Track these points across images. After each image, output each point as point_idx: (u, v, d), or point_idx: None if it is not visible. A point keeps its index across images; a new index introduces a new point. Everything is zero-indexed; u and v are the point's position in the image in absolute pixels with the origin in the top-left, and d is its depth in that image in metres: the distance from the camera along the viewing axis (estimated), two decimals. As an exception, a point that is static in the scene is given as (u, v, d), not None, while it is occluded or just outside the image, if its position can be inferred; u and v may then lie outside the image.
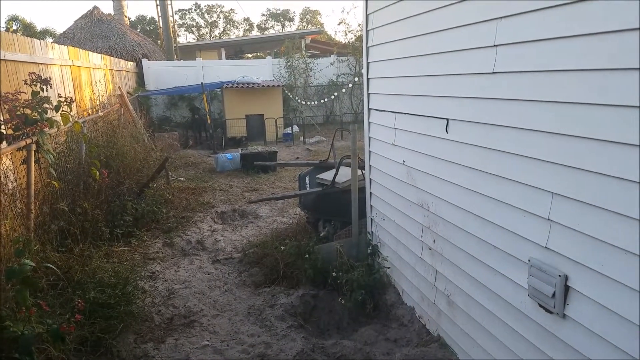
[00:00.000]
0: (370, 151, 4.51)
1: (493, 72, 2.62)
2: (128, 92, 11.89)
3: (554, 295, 2.22)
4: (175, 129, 13.67)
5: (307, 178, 5.84)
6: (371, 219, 4.70)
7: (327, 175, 5.30)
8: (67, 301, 3.61)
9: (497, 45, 2.57)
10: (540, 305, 2.33)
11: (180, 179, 8.90)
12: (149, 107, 14.41)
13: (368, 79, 4.39)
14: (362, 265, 4.44)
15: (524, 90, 2.40)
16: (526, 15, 2.33)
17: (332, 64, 15.97)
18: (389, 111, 4.00)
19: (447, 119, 3.14)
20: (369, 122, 4.46)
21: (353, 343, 3.66)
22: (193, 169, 10.12)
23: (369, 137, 4.49)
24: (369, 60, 4.35)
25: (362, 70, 4.48)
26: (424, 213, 3.54)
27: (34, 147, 4.38)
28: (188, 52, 23.01)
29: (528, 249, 2.43)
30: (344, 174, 5.09)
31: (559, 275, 2.19)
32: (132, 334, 3.63)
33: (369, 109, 4.43)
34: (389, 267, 4.36)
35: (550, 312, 2.28)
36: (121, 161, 6.73)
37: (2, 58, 4.50)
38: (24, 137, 4.19)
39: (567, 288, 2.18)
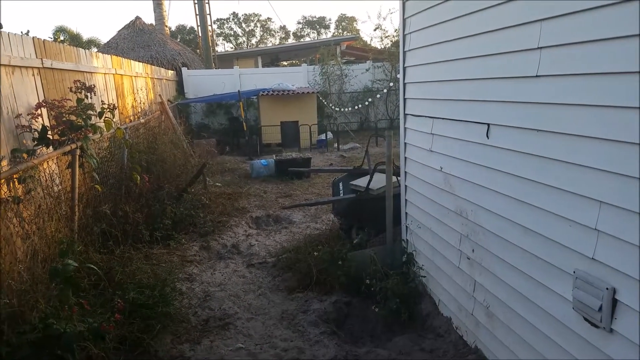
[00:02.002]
0: (405, 157, 4.45)
1: (537, 76, 2.53)
2: (168, 100, 12.24)
3: (600, 308, 2.12)
4: (213, 136, 13.95)
5: (340, 184, 5.82)
6: (406, 227, 4.63)
7: (361, 182, 5.26)
8: (107, 301, 3.71)
9: (541, 48, 2.49)
10: (586, 319, 2.23)
11: (217, 184, 9.06)
12: (188, 114, 14.78)
13: (404, 84, 4.34)
14: (397, 273, 4.37)
15: (570, 94, 2.31)
16: (572, 16, 2.24)
17: (367, 70, 15.92)
18: (426, 116, 3.94)
19: (488, 124, 3.06)
20: (405, 128, 4.41)
21: (387, 352, 3.60)
22: (229, 174, 10.29)
23: (405, 143, 4.44)
24: (405, 65, 4.31)
25: (399, 75, 4.43)
26: (463, 221, 3.46)
27: (78, 152, 4.55)
28: (226, 61, 23.52)
29: (573, 260, 2.32)
30: (378, 181, 5.04)
31: (607, 288, 2.09)
32: (169, 335, 3.70)
33: (405, 115, 4.38)
34: (424, 276, 4.27)
35: (597, 327, 2.17)
36: (161, 166, 6.93)
37: (49, 67, 4.71)
38: (69, 143, 4.37)
39: (614, 301, 2.07)
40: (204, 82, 15.50)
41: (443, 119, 3.66)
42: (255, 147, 12.83)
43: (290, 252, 5.47)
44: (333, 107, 15.27)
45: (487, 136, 3.07)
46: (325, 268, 4.75)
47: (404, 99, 4.37)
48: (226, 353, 3.56)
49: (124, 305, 3.41)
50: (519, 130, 2.75)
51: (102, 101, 5.57)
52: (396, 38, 17.05)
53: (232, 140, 14.08)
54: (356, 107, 15.30)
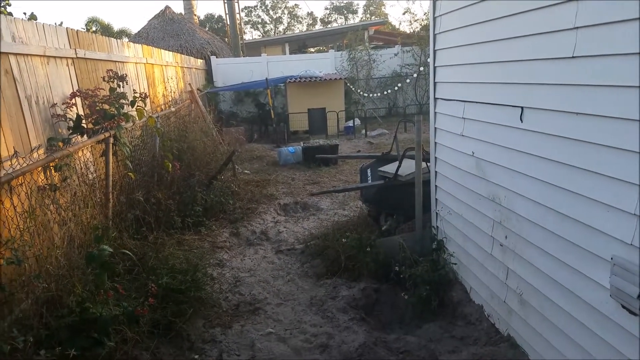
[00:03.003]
0: (435, 142, 4.36)
1: (573, 57, 2.44)
2: (198, 89, 12.37)
3: (639, 296, 2.04)
4: (241, 124, 14.05)
5: (368, 171, 5.77)
6: (436, 213, 4.56)
7: (390, 168, 5.20)
8: (141, 286, 3.81)
9: (577, 28, 2.38)
10: (624, 307, 2.17)
11: (246, 171, 9.15)
12: (217, 103, 14.92)
13: (435, 68, 4.24)
14: (426, 260, 4.32)
15: (607, 75, 2.21)
16: (612, -7, 2.13)
17: (395, 55, 15.65)
18: (457, 100, 3.84)
19: (522, 107, 2.96)
20: (435, 113, 4.32)
21: (417, 339, 3.58)
22: (257, 162, 10.37)
23: (435, 128, 4.35)
24: (436, 48, 4.20)
25: (429, 59, 4.33)
26: (495, 207, 3.38)
27: (111, 140, 4.65)
28: (254, 49, 23.57)
29: (611, 247, 2.25)
30: (407, 167, 4.97)
31: (647, 276, 2.00)
32: (201, 319, 3.78)
33: (435, 99, 4.29)
34: (455, 263, 4.21)
35: (635, 314, 2.11)
36: (191, 154, 7.04)
37: (82, 57, 4.81)
38: (102, 131, 4.46)
39: (655, 289, 1.99)
40: (232, 71, 15.59)
41: (475, 102, 3.56)
42: (283, 134, 12.87)
43: (318, 238, 5.48)
44: (361, 92, 15.10)
45: (521, 119, 2.98)
46: (353, 255, 4.74)
47: (434, 83, 4.27)
48: (257, 337, 3.61)
49: (157, 289, 3.49)
50: (555, 113, 2.65)
51: (133, 90, 5.66)
52: (426, 21, 16.69)
53: (260, 128, 14.16)
54: (384, 93, 15.09)
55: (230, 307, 4.12)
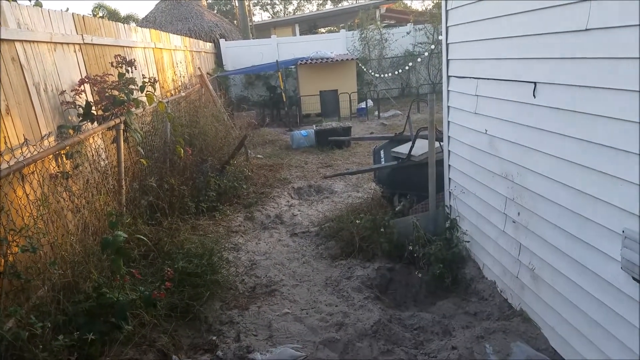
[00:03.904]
0: (449, 121, 4.29)
1: (586, 29, 2.38)
2: (207, 73, 12.33)
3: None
4: (252, 108, 14.01)
5: (381, 152, 5.72)
6: (449, 192, 4.52)
7: (403, 149, 5.15)
8: (157, 271, 3.87)
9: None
10: (634, 279, 2.16)
11: (259, 156, 9.16)
12: (227, 87, 14.87)
13: (447, 45, 4.15)
14: (440, 239, 4.31)
15: (622, 48, 2.15)
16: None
17: (408, 33, 15.35)
18: (470, 77, 3.76)
19: (535, 83, 2.90)
20: (448, 91, 4.24)
21: (431, 315, 3.60)
22: (270, 146, 10.36)
23: (448, 107, 4.28)
24: (448, 25, 4.10)
25: (441, 37, 4.23)
26: (508, 184, 3.33)
27: (122, 126, 4.66)
28: (263, 30, 23.37)
29: (622, 219, 2.24)
30: (421, 147, 4.91)
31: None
32: (218, 302, 3.83)
33: (448, 77, 4.20)
34: (468, 241, 4.18)
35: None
36: (203, 139, 7.05)
37: (89, 42, 4.80)
38: (112, 118, 4.46)
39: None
40: (242, 54, 15.47)
41: (488, 79, 3.49)
42: (295, 117, 12.81)
43: (332, 221, 5.49)
44: (373, 73, 14.91)
45: (534, 95, 2.91)
46: (367, 235, 4.74)
47: (447, 60, 4.18)
48: (273, 318, 3.65)
49: (173, 273, 3.53)
50: (568, 88, 2.60)
51: (143, 75, 5.66)
52: (437, -3, 16.30)
53: (271, 112, 14.11)
54: (397, 73, 14.85)
55: (247, 289, 4.16)
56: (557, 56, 2.65)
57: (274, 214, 6.16)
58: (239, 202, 6.51)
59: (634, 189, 2.14)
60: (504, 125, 3.32)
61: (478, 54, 3.64)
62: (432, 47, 14.40)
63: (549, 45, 2.71)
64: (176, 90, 8.50)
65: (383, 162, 5.54)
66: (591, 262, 2.50)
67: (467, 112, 3.88)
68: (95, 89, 4.59)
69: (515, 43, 3.08)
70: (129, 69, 5.06)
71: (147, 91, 5.28)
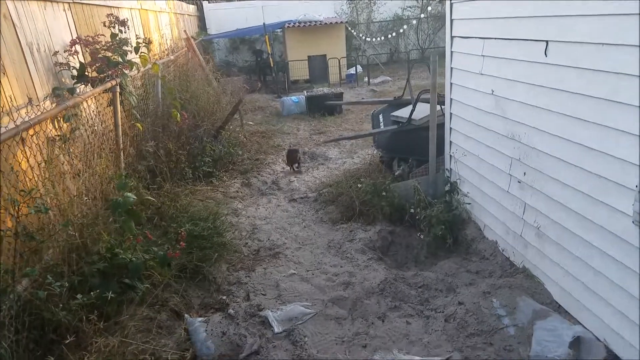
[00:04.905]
0: (452, 83, 4.30)
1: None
2: (192, 37, 11.98)
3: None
4: (239, 74, 13.73)
5: (380, 116, 5.71)
6: (450, 156, 4.57)
7: (403, 113, 5.15)
8: (163, 234, 3.87)
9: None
10: None
11: (249, 123, 9.05)
12: (211, 52, 14.51)
13: (451, 4, 4.10)
14: (440, 202, 4.39)
15: (632, 3, 2.17)
16: None
17: (397, -5, 15.07)
18: (476, 37, 3.75)
19: (547, 42, 2.90)
20: (452, 52, 4.22)
21: (434, 274, 3.71)
22: (260, 113, 10.24)
23: (451, 68, 4.27)
24: (451, -16, 4.05)
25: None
26: (514, 145, 3.38)
27: (118, 89, 4.53)
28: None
29: (636, 175, 2.30)
30: (420, 111, 4.92)
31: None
32: (225, 263, 3.87)
33: (452, 37, 4.18)
34: (469, 203, 4.27)
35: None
36: (196, 104, 6.91)
37: (78, 1, 4.59)
38: (108, 80, 4.33)
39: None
40: (226, 17, 15.02)
41: (496, 39, 3.48)
42: (284, 84, 12.62)
43: (330, 186, 5.52)
44: (362, 37, 14.65)
45: (546, 54, 2.92)
46: (367, 200, 4.78)
47: (451, 20, 4.15)
48: (280, 278, 3.71)
49: (185, 234, 3.54)
50: (580, 45, 2.63)
51: (137, 35, 5.46)
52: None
53: (258, 78, 13.86)
54: (387, 37, 14.61)
55: (251, 252, 4.20)
56: (569, 13, 2.66)
57: (271, 180, 6.16)
58: (235, 168, 6.48)
59: (650, 145, 2.20)
60: (511, 85, 3.35)
61: (485, 13, 3.61)
62: (422, 15, 14.20)
63: (561, 2, 2.71)
64: (163, 53, 8.26)
65: (382, 127, 5.54)
66: (601, 218, 2.59)
67: (472, 73, 3.89)
68: (88, 50, 4.42)
69: (526, 1, 3.07)
70: (122, 29, 4.89)
71: (141, 52, 5.13)
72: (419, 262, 4.18)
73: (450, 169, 4.58)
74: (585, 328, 2.75)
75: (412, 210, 4.42)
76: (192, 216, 4.04)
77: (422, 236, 4.22)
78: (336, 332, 3.06)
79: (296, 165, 6.52)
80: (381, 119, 5.65)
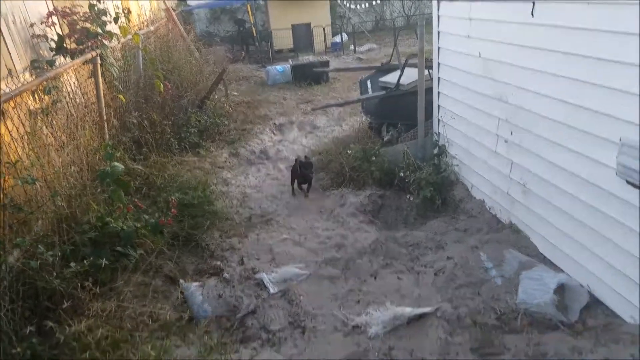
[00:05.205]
0: (439, 47, 4.29)
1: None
2: (172, 8, 11.64)
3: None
4: (221, 44, 13.44)
5: (368, 82, 5.69)
6: (438, 120, 4.59)
7: (391, 78, 5.14)
8: (152, 203, 3.86)
9: None
10: (629, 182, 2.32)
11: (234, 93, 8.91)
12: (192, 22, 14.14)
13: (438, -35, 4.05)
14: (429, 165, 4.43)
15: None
16: None
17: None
18: (463, -2, 3.72)
19: (534, 2, 2.90)
20: (438, 15, 4.20)
21: (424, 233, 3.79)
22: (244, 82, 10.10)
23: (438, 32, 4.25)
24: (437, -56, 3.99)
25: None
26: (502, 106, 3.42)
27: (99, 60, 4.43)
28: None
29: (620, 129, 2.37)
30: (409, 76, 4.91)
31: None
32: (217, 231, 3.89)
33: (439, 0, 4.14)
34: (457, 165, 4.33)
35: (637, 187, 2.26)
36: (178, 75, 6.77)
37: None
38: (88, 51, 4.22)
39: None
40: (206, -14, 14.58)
41: (483, 0, 3.45)
42: (267, 53, 12.40)
43: (319, 154, 5.53)
44: (347, 3, 14.38)
45: (532, 14, 2.93)
46: (357, 165, 4.81)
47: (438, -18, 4.10)
48: (273, 243, 3.76)
49: (176, 202, 3.53)
50: (566, 4, 2.65)
51: (115, 5, 5.30)
52: None
53: (241, 48, 13.58)
54: (372, 4, 14.33)
55: (243, 219, 4.22)
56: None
57: (259, 150, 6.13)
58: (222, 138, 6.42)
59: (634, 99, 2.25)
60: (499, 47, 3.36)
61: (472, -26, 3.58)
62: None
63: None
64: (143, 24, 8.03)
65: (370, 93, 5.52)
66: (585, 171, 2.66)
67: (459, 37, 3.88)
68: (65, 21, 4.29)
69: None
70: None
71: (121, 23, 4.98)
72: (408, 223, 4.26)
73: (439, 132, 4.61)
74: (569, 276, 2.85)
75: (401, 174, 4.47)
76: (180, 186, 4.03)
77: (411, 198, 4.28)
78: (330, 290, 3.14)
79: (306, 186, 4.77)
80: (369, 85, 5.63)
